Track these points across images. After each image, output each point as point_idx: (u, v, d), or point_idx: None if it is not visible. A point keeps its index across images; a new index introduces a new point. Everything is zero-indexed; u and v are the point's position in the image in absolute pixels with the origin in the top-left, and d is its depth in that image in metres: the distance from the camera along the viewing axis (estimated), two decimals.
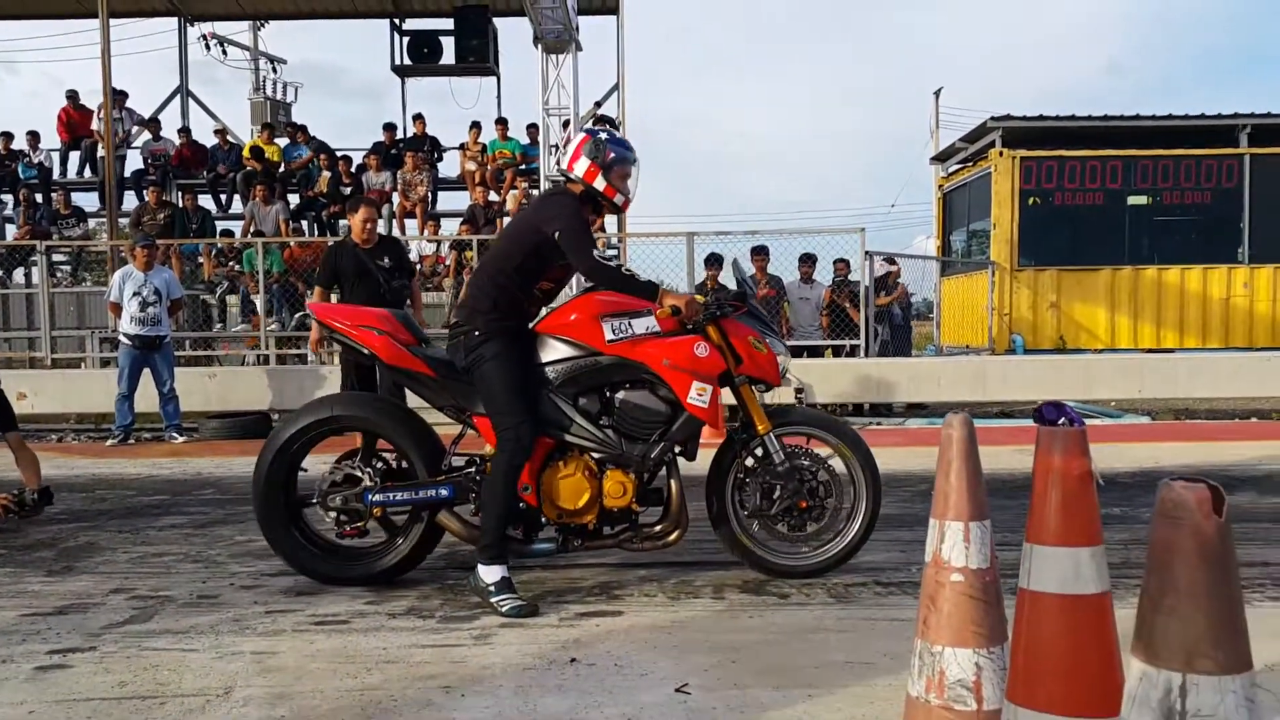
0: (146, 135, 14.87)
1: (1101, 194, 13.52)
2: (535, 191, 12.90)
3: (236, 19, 16.65)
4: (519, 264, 3.82)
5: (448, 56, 15.31)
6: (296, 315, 12.08)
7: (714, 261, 10.64)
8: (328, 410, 3.99)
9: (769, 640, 3.25)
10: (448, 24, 15.28)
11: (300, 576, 4.08)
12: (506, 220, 13.39)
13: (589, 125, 4.07)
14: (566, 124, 11.05)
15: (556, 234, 3.71)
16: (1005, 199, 13.51)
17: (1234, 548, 1.33)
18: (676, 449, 3.86)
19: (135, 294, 8.90)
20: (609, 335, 3.76)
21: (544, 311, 3.97)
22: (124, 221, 13.44)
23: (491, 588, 3.61)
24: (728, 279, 10.44)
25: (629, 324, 3.77)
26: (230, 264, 12.34)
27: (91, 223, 14.72)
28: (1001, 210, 13.54)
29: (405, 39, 15.67)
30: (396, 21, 15.81)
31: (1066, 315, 13.50)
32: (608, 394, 3.84)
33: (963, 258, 15.59)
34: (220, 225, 13.93)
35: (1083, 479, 1.73)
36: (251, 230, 12.76)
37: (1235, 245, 13.45)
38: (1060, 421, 1.80)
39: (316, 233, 13.77)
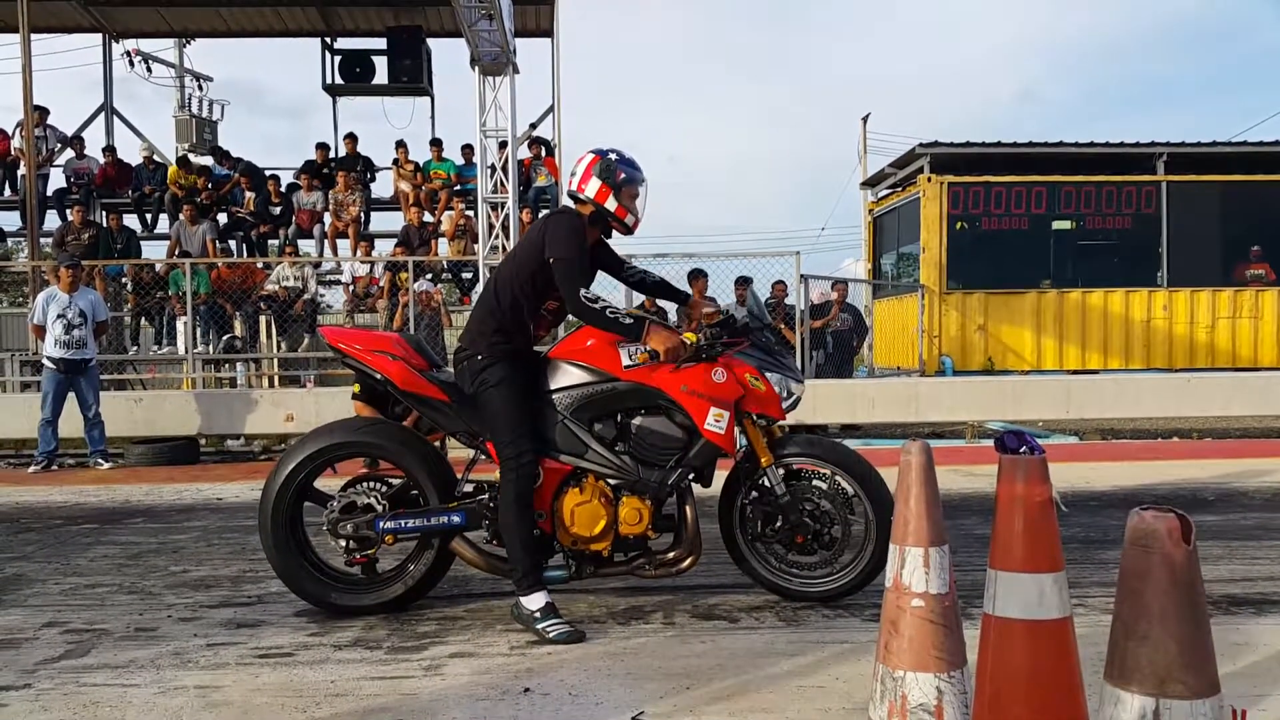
0: (69, 153, 14.45)
1: (1027, 219, 13.93)
2: (470, 213, 12.82)
3: (163, 36, 16.31)
4: (524, 283, 3.77)
5: (380, 76, 15.18)
6: (224, 338, 11.82)
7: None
8: (337, 436, 3.90)
9: (721, 665, 3.25)
10: (380, 43, 15.15)
11: (240, 607, 3.99)
12: (441, 241, 13.31)
13: (600, 146, 3.98)
14: (503, 145, 11.02)
15: (551, 260, 3.67)
16: (933, 224, 13.83)
17: (1201, 575, 1.37)
18: (692, 475, 3.85)
19: (60, 316, 8.65)
20: (626, 361, 3.74)
21: (560, 335, 3.92)
22: (46, 241, 13.03)
23: (537, 614, 3.55)
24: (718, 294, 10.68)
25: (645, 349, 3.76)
26: (158, 293, 12.01)
27: (9, 242, 14.23)
28: (930, 235, 13.85)
29: (337, 58, 15.50)
30: (328, 40, 15.63)
31: (994, 337, 13.83)
32: (623, 420, 3.81)
33: (892, 281, 15.89)
34: (145, 246, 13.59)
35: (1045, 506, 1.77)
36: (177, 251, 12.47)
37: (1154, 269, 13.93)
38: (1021, 450, 1.84)
39: (245, 253, 13.52)
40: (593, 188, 3.80)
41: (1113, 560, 4.61)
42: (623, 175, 3.81)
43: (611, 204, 3.80)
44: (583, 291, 3.67)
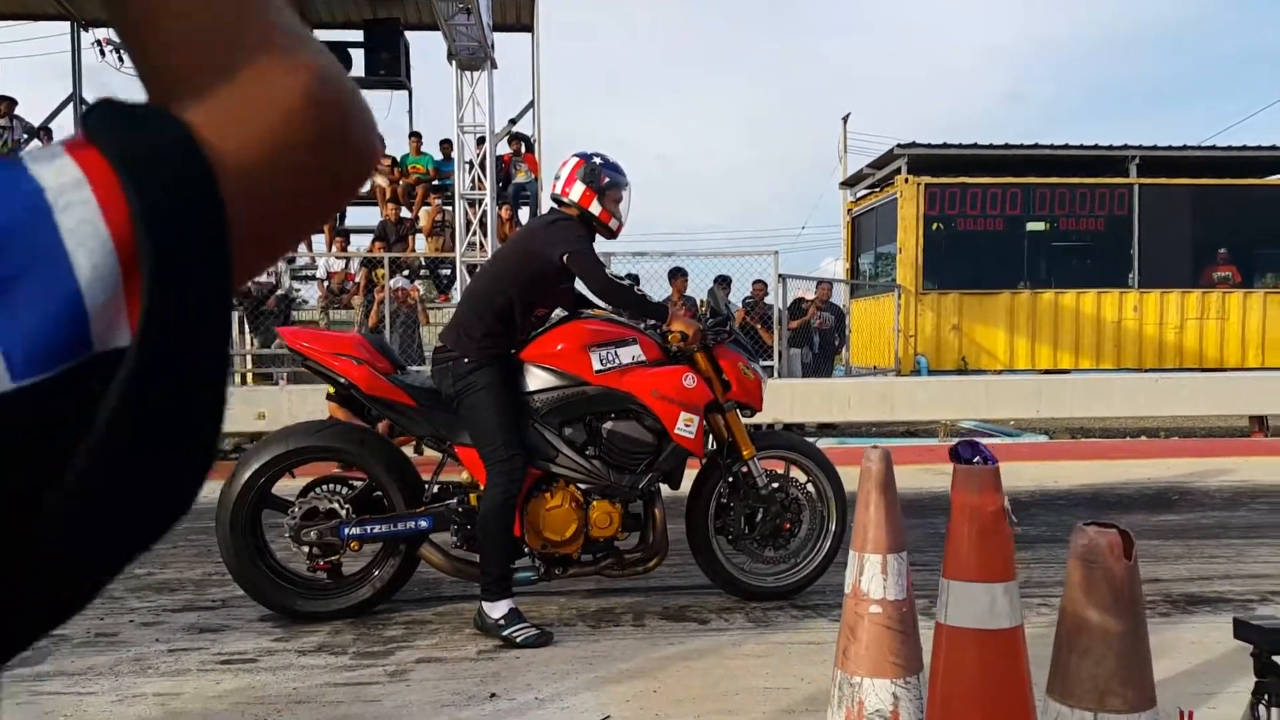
0: (37, 145, 14.26)
1: (1002, 220, 13.99)
2: (449, 208, 12.76)
3: None
4: (520, 290, 3.73)
5: (357, 68, 15.05)
6: None
7: (722, 282, 10.91)
8: (298, 440, 3.84)
9: (689, 667, 3.26)
10: (358, 35, 15.05)
11: (204, 611, 3.97)
12: (419, 237, 13.23)
13: (583, 150, 3.98)
14: (482, 141, 10.97)
15: (565, 256, 3.65)
16: (910, 224, 13.88)
17: (1142, 590, 1.38)
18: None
19: None
20: (597, 365, 3.74)
21: (528, 338, 3.91)
22: None
23: (501, 621, 3.54)
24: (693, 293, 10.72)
25: (616, 354, 3.76)
26: None
27: None
28: (907, 235, 13.90)
29: None
30: None
31: (968, 337, 13.91)
32: (593, 424, 3.81)
33: (870, 280, 15.95)
34: None
35: (997, 515, 1.79)
36: None
37: (1126, 271, 14.04)
38: (975, 460, 1.85)
39: None
40: (577, 192, 3.80)
41: None
42: (607, 180, 3.82)
43: (595, 208, 3.81)
44: (608, 272, 3.69)
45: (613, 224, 3.87)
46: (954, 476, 1.83)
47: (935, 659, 1.86)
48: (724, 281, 11.32)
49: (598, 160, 3.86)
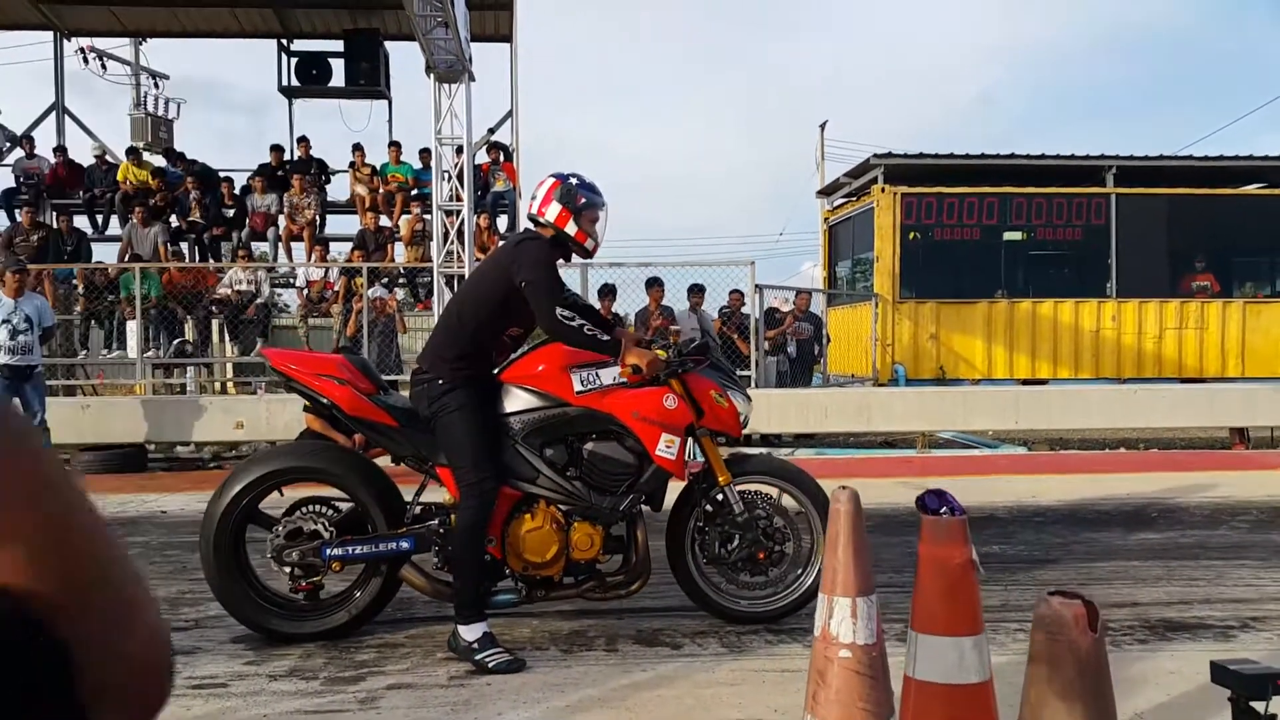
0: (19, 153, 14.13)
1: (978, 229, 14.04)
2: (428, 217, 12.72)
3: (116, 35, 15.98)
4: (490, 310, 3.73)
5: (337, 78, 15.01)
6: (175, 342, 11.64)
7: (698, 291, 10.95)
8: (284, 460, 3.84)
9: (661, 695, 3.25)
10: (338, 45, 15.00)
11: (176, 633, 3.93)
12: (398, 245, 13.18)
13: (560, 170, 3.96)
14: (459, 152, 10.93)
15: (523, 283, 3.63)
16: (887, 233, 13.91)
17: (1108, 661, 1.38)
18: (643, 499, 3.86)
19: (5, 321, 8.44)
20: (578, 386, 3.73)
21: (510, 359, 3.90)
22: None
23: (475, 645, 3.52)
24: (673, 303, 10.75)
25: (597, 375, 3.75)
26: (109, 296, 11.78)
27: None
28: (883, 244, 13.93)
29: (293, 59, 15.31)
30: (284, 42, 15.43)
31: (946, 346, 13.94)
32: (574, 445, 3.79)
33: (848, 287, 15.99)
34: (96, 247, 13.33)
35: (965, 568, 1.79)
36: (129, 254, 12.25)
37: (1104, 280, 14.11)
38: (942, 510, 1.85)
39: (197, 257, 13.32)
40: (553, 212, 3.80)
41: (1058, 580, 4.68)
42: (583, 200, 3.81)
43: (571, 228, 3.80)
44: (558, 310, 3.66)
45: (589, 244, 3.87)
46: (921, 528, 1.83)
47: (904, 712, 1.85)
48: (698, 290, 11.29)
49: (574, 181, 3.85)
